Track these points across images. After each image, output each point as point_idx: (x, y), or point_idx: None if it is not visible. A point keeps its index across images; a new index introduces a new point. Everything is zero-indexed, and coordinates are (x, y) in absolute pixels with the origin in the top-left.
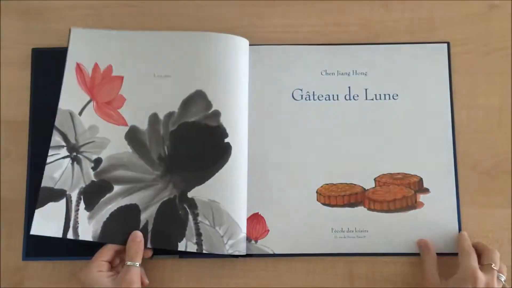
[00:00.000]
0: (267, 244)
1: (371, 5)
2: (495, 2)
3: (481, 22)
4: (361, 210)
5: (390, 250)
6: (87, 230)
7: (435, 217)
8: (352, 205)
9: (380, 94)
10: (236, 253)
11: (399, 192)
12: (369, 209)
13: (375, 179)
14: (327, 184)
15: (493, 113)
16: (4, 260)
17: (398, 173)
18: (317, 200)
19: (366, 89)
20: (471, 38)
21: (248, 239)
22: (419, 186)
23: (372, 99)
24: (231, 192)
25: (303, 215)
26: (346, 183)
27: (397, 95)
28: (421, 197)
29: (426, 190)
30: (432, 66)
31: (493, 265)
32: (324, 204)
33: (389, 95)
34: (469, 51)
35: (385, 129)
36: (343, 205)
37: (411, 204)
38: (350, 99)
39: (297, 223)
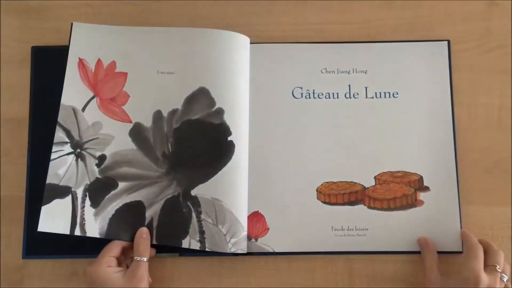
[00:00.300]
0: (267, 243)
1: (371, 3)
2: (495, 1)
3: (481, 20)
4: (361, 208)
5: (390, 249)
6: (94, 226)
7: (435, 215)
8: (352, 203)
9: (380, 92)
10: (239, 251)
11: (399, 190)
12: (369, 207)
13: (375, 177)
14: (327, 182)
15: (493, 111)
16: (4, 259)
17: (398, 171)
18: (317, 198)
19: (366, 87)
20: (472, 36)
21: (248, 238)
22: (419, 184)
23: (372, 97)
24: (233, 191)
25: (303, 213)
26: (346, 181)
27: (397, 93)
28: (421, 195)
29: (426, 188)
30: (433, 64)
31: (498, 267)
32: (324, 202)
33: (389, 93)
34: (470, 49)
35: (385, 127)
36: (343, 203)
37: (411, 202)
38: (350, 97)
39: (297, 222)
